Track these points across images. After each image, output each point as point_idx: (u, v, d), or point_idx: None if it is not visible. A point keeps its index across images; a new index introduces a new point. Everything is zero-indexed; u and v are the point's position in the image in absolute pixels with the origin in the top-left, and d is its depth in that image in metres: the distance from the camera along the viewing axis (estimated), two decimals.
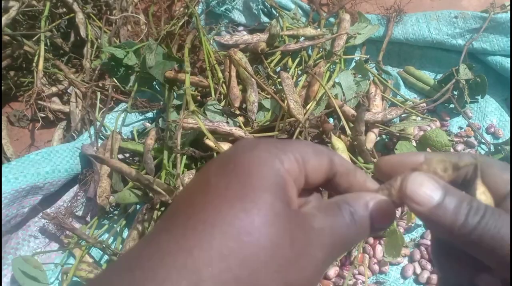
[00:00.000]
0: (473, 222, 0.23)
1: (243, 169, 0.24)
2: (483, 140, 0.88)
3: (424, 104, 0.91)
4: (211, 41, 1.01)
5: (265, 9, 1.07)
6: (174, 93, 0.88)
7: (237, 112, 0.78)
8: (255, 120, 0.79)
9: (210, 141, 0.70)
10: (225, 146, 0.73)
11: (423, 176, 0.25)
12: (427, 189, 0.24)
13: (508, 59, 0.92)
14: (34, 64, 0.92)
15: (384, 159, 0.30)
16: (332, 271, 0.75)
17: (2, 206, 0.71)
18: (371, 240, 0.78)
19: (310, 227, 0.24)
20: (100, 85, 0.94)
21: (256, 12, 1.06)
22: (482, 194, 0.26)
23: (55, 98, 0.98)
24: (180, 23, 0.98)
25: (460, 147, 0.88)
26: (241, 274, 0.21)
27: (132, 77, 0.93)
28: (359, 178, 0.29)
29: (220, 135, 0.75)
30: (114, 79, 0.93)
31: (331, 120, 0.87)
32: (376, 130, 0.85)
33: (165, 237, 0.22)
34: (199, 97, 0.90)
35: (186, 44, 0.87)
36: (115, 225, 0.79)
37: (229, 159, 0.25)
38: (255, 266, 0.22)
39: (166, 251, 0.22)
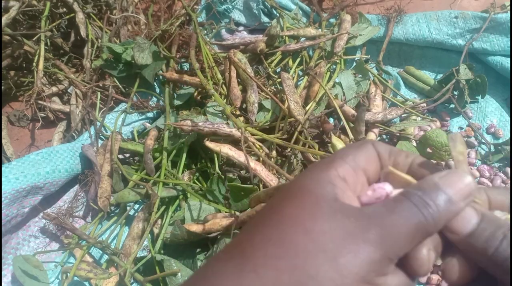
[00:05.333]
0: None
1: (299, 190, 0.28)
2: (483, 141, 0.88)
3: (424, 104, 0.91)
4: (212, 40, 1.01)
5: (266, 9, 1.07)
6: (175, 93, 0.88)
7: (237, 113, 0.78)
8: (255, 121, 0.79)
9: (210, 143, 0.70)
10: (224, 148, 0.72)
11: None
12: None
13: (508, 59, 0.92)
14: (34, 64, 0.92)
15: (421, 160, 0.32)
16: None
17: (3, 206, 0.71)
18: None
19: (364, 215, 0.26)
20: (100, 85, 0.94)
21: (256, 12, 1.06)
22: None
23: (55, 98, 0.98)
24: (177, 23, 0.98)
25: None
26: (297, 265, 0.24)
27: (132, 77, 0.93)
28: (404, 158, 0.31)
29: (220, 137, 0.75)
30: (115, 79, 0.93)
31: (331, 120, 0.87)
32: (376, 130, 0.85)
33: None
34: (199, 98, 0.90)
35: (191, 49, 0.86)
36: (114, 225, 0.79)
37: (290, 185, 0.29)
38: (312, 256, 0.25)
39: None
